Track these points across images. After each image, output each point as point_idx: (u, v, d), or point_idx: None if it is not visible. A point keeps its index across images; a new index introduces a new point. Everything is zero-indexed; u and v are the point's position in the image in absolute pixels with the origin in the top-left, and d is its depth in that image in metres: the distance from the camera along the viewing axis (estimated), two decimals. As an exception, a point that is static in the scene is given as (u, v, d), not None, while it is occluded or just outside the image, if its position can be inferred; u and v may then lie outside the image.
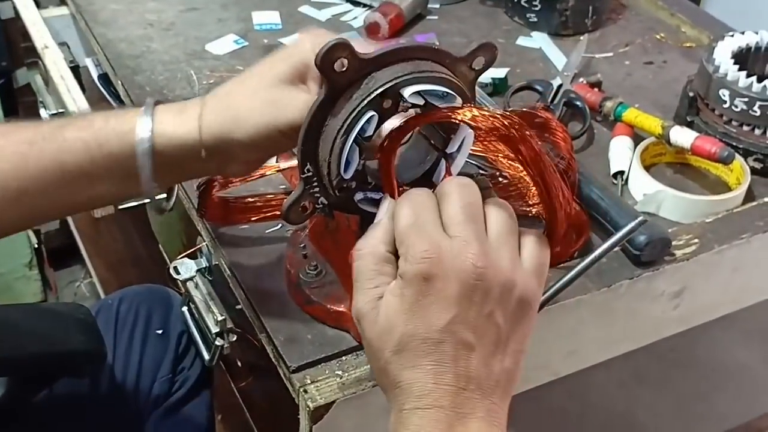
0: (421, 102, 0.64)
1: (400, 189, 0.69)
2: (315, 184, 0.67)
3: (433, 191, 0.64)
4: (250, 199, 0.88)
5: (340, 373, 0.77)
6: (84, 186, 0.71)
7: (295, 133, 0.67)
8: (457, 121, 0.65)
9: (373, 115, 0.63)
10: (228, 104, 0.69)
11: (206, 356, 0.98)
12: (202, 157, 0.69)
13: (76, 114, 0.72)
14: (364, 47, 0.63)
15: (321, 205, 0.69)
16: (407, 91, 0.63)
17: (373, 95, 0.63)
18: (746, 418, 1.31)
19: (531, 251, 0.63)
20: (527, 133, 0.65)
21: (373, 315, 0.60)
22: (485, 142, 0.88)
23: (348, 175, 0.65)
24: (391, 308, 0.59)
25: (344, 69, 0.62)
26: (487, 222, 0.61)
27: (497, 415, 0.59)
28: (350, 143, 0.64)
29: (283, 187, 0.93)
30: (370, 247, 0.62)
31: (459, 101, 0.66)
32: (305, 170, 0.66)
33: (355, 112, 0.63)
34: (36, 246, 2.05)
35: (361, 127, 0.63)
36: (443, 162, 0.70)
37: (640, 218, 0.75)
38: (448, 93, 0.65)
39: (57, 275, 2.19)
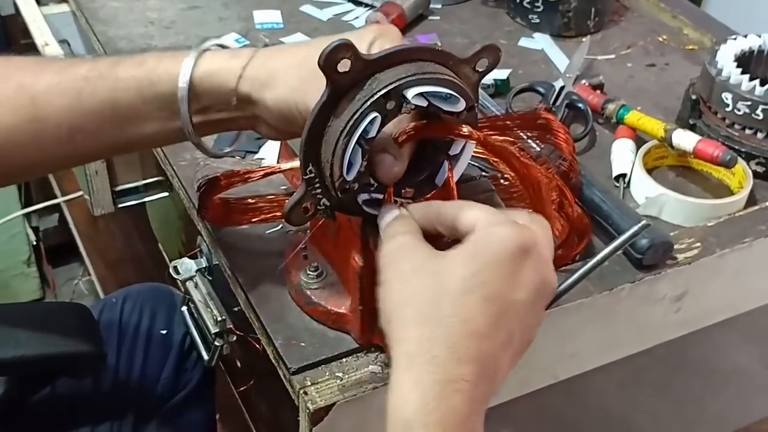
0: (425, 104, 0.64)
1: (404, 191, 0.69)
2: (317, 185, 0.67)
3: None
4: (250, 200, 0.88)
5: (340, 374, 0.76)
6: (135, 124, 0.73)
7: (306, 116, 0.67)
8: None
9: (375, 117, 0.63)
10: (273, 63, 0.70)
11: (205, 356, 0.97)
12: (233, 105, 0.71)
13: (131, 53, 0.73)
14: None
15: (323, 207, 0.68)
16: (410, 93, 0.63)
17: (376, 96, 0.62)
18: (745, 422, 1.31)
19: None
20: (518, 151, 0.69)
21: (433, 265, 0.58)
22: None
23: (350, 177, 0.65)
24: (484, 252, 0.57)
25: (347, 70, 0.62)
26: None
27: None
28: (353, 144, 0.63)
29: (284, 188, 0.92)
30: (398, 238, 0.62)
31: (462, 103, 0.66)
32: (307, 171, 0.66)
33: (358, 114, 0.62)
34: (34, 243, 2.05)
35: (364, 129, 0.63)
36: (446, 164, 0.70)
37: (643, 222, 0.75)
38: (451, 95, 0.65)
39: (55, 273, 2.19)
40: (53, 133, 0.72)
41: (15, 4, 1.41)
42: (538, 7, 1.27)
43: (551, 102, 1.08)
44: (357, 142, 0.63)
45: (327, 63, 0.61)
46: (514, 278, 0.56)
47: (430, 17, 1.32)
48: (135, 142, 0.76)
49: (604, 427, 1.17)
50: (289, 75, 0.69)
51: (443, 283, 0.56)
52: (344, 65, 0.61)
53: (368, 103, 0.62)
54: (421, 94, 0.63)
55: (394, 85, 0.62)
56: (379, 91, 0.62)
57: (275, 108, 0.69)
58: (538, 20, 1.28)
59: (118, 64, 0.72)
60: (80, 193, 1.49)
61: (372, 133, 0.64)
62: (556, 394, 0.94)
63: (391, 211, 0.65)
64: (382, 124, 0.64)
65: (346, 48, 0.61)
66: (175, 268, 0.97)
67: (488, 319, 0.55)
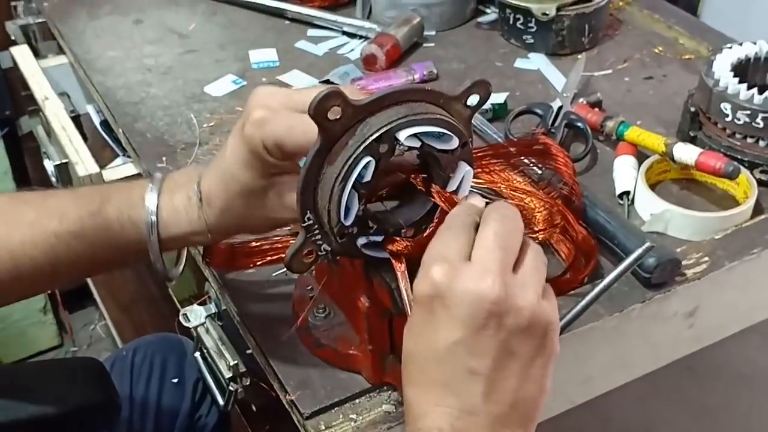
0: (418, 144, 0.64)
1: (404, 231, 0.69)
2: (316, 231, 0.67)
3: None
4: (255, 243, 0.88)
5: (354, 416, 0.76)
6: (114, 263, 0.79)
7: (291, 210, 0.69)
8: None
9: (369, 161, 0.63)
10: (231, 221, 0.73)
11: (221, 401, 0.97)
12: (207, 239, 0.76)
13: (91, 200, 0.75)
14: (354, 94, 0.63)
15: (324, 252, 0.68)
16: (402, 135, 0.63)
17: (368, 141, 0.62)
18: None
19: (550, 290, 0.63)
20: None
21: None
22: (492, 173, 0.88)
23: (348, 222, 0.65)
24: (407, 325, 0.61)
25: (338, 117, 0.62)
26: (521, 255, 0.61)
27: None
28: (349, 190, 0.63)
29: (288, 228, 0.92)
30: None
31: (455, 140, 0.66)
32: (306, 219, 0.66)
33: (352, 159, 0.62)
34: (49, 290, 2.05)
35: (359, 173, 0.63)
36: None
37: (647, 245, 0.74)
38: (443, 133, 0.65)
39: (72, 318, 2.20)
40: (32, 277, 0.75)
41: (13, 58, 1.42)
42: (532, 27, 1.27)
43: (550, 123, 1.08)
44: (353, 187, 0.64)
45: (317, 112, 0.61)
46: (429, 333, 0.59)
47: (425, 44, 1.33)
48: (118, 268, 0.83)
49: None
50: (254, 220, 0.72)
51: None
52: (334, 113, 0.62)
53: (361, 148, 0.62)
54: (413, 135, 0.63)
55: (385, 129, 0.62)
56: (371, 135, 0.62)
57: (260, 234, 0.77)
58: (532, 40, 1.28)
59: (84, 220, 0.73)
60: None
61: (367, 178, 0.64)
62: (575, 411, 0.93)
63: None
64: (377, 168, 0.64)
65: (335, 96, 0.61)
66: (185, 315, 0.97)
67: (430, 384, 0.59)
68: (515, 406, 0.59)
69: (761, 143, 0.99)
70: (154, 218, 0.72)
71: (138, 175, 1.15)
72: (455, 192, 0.70)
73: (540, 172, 0.94)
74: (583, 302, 0.74)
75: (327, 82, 1.22)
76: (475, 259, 0.59)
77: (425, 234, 0.68)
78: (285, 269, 0.88)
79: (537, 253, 0.62)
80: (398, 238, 0.68)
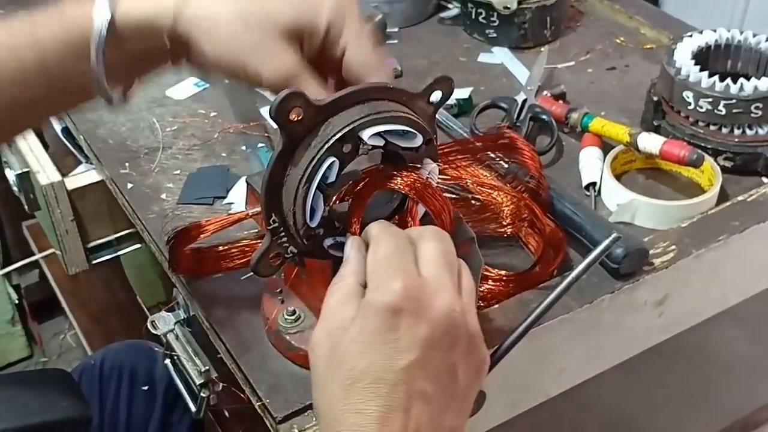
0: (381, 143, 0.64)
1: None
2: (282, 234, 0.66)
3: None
4: (221, 247, 0.87)
5: (327, 418, 0.75)
6: (69, 79, 0.67)
7: (255, 83, 0.65)
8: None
9: (333, 161, 0.63)
10: (214, 14, 0.64)
11: (193, 408, 0.96)
12: (164, 46, 0.65)
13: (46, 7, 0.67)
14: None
15: (290, 254, 0.68)
16: (366, 134, 0.62)
17: (331, 141, 0.62)
18: (744, 412, 1.30)
19: None
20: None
21: (328, 344, 0.56)
22: (459, 168, 0.88)
23: (314, 223, 0.65)
24: (347, 337, 0.54)
25: (300, 118, 0.61)
26: (460, 278, 0.60)
27: None
28: (313, 191, 0.63)
29: (255, 231, 0.92)
30: (339, 279, 0.60)
31: (419, 138, 0.65)
32: (271, 221, 0.65)
33: (315, 160, 0.62)
34: (17, 301, 2.03)
35: (323, 174, 0.63)
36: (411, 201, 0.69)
37: (614, 235, 0.74)
38: (407, 131, 0.64)
39: (42, 328, 2.17)
40: None
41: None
42: (494, 21, 1.27)
43: (515, 117, 1.08)
44: (317, 188, 0.63)
45: (279, 113, 0.60)
46: (386, 350, 0.54)
47: (389, 41, 1.32)
48: (76, 99, 0.72)
49: (602, 424, 1.16)
50: (235, 30, 0.63)
51: (330, 391, 0.57)
52: (296, 113, 0.61)
53: (324, 148, 0.62)
54: (377, 134, 0.63)
55: (348, 128, 0.62)
56: (334, 135, 0.62)
57: (214, 58, 0.64)
58: (495, 34, 1.28)
59: (36, 26, 0.65)
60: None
61: (331, 178, 0.63)
62: (551, 399, 0.93)
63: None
64: (341, 167, 0.64)
65: (296, 96, 0.60)
66: (153, 323, 0.96)
67: (377, 410, 0.53)
68: None
69: (724, 130, 1.00)
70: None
71: (102, 183, 1.14)
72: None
73: (506, 166, 0.94)
74: (553, 295, 0.74)
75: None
76: (432, 276, 0.56)
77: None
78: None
79: (470, 274, 0.61)
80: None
